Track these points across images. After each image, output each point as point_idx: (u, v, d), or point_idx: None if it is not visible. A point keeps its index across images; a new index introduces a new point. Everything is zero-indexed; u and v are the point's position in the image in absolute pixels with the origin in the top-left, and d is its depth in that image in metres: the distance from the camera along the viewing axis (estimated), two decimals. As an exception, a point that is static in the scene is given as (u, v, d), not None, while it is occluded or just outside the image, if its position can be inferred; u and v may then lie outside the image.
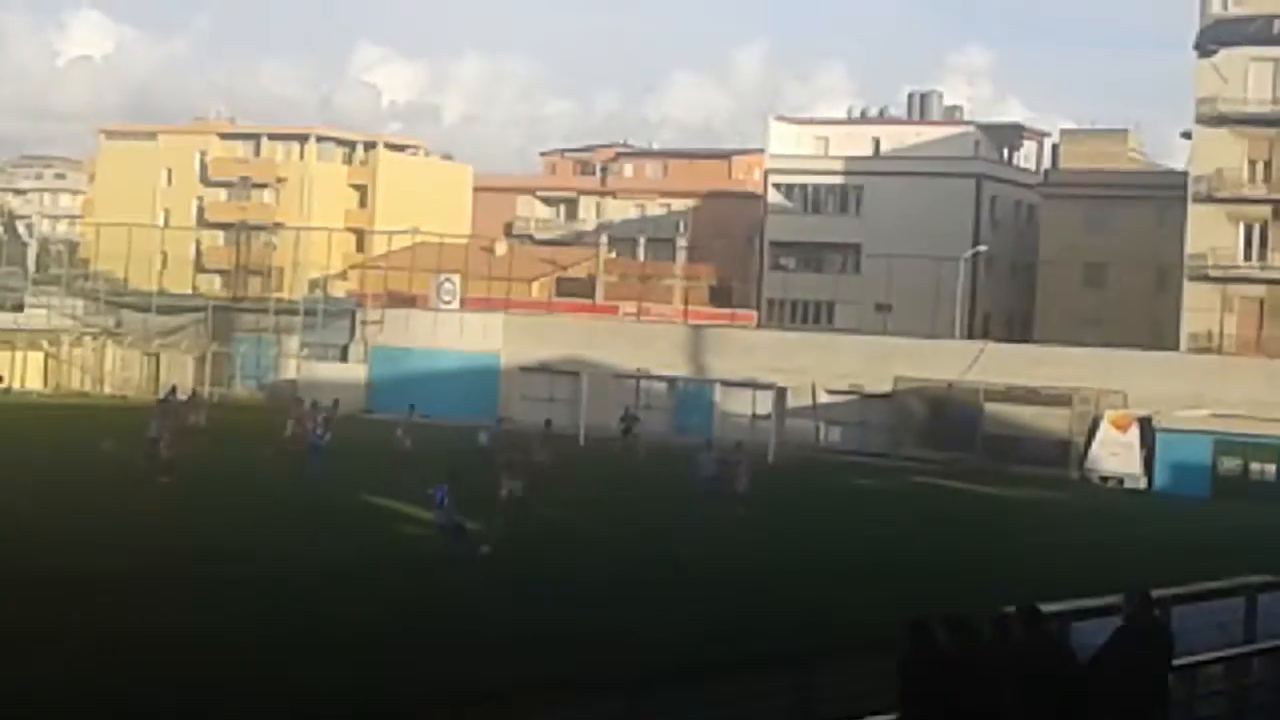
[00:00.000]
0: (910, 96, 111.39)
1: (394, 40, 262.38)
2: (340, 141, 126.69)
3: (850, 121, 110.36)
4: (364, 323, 76.69)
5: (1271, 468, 56.74)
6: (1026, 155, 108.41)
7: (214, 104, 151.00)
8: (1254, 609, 16.85)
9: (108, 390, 76.38)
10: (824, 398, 66.63)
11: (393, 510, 38.63)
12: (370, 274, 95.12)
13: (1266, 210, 78.97)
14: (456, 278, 78.49)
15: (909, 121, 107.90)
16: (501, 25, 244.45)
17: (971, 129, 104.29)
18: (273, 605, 26.16)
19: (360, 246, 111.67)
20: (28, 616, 23.79)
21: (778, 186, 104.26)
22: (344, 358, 75.97)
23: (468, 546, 31.72)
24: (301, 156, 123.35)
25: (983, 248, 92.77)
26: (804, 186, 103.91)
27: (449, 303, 76.88)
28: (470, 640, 24.15)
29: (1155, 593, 17.01)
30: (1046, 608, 14.81)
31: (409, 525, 35.85)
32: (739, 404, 66.10)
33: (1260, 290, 78.67)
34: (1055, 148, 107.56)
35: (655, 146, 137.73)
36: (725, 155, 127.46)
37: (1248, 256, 79.60)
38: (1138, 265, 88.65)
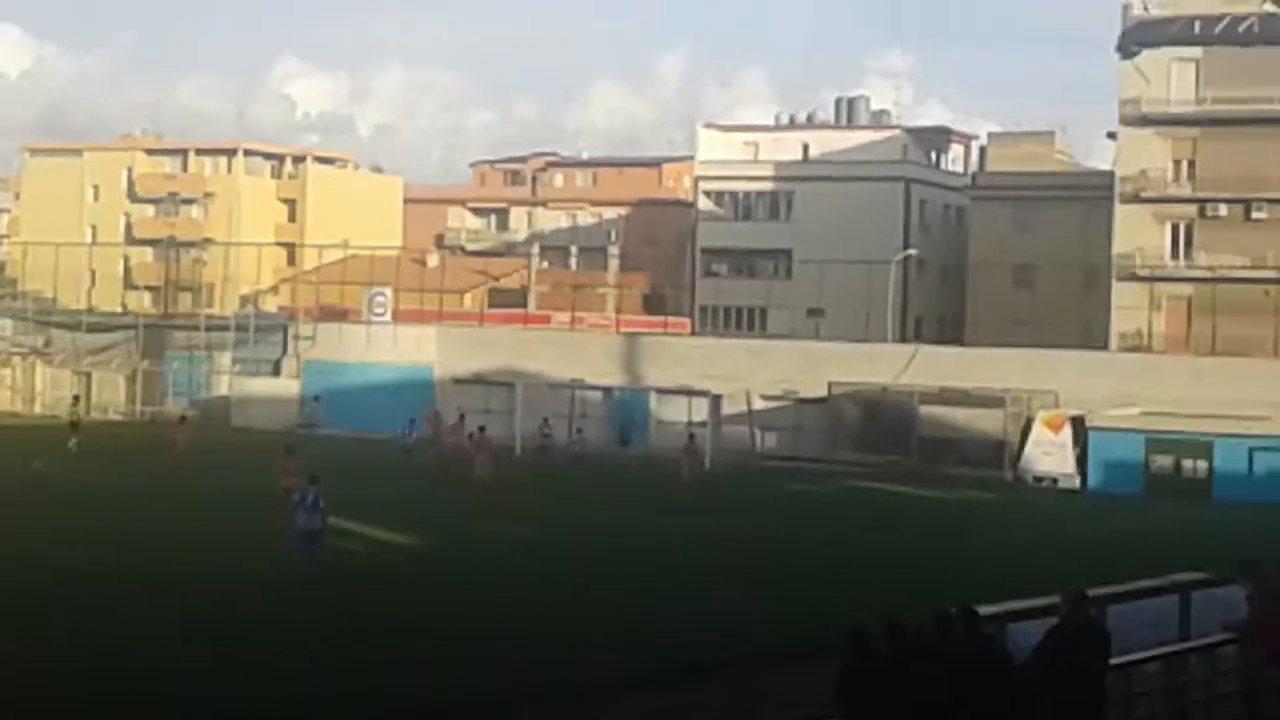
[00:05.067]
0: (838, 101, 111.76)
1: (314, 54, 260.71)
2: (268, 155, 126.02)
3: (779, 128, 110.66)
4: (296, 337, 76.32)
5: (1203, 464, 57.28)
6: (954, 158, 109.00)
7: (133, 119, 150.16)
8: (1188, 607, 16.99)
9: (39, 410, 75.80)
10: (759, 404, 66.83)
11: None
12: (302, 288, 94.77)
13: (1192, 210, 79.65)
14: (388, 290, 78.27)
15: (837, 126, 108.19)
16: (421, 37, 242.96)
17: (899, 133, 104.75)
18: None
19: (291, 260, 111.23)
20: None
21: (708, 193, 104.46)
22: (276, 373, 75.61)
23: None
24: (229, 171, 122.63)
25: (913, 251, 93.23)
26: (734, 193, 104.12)
27: (381, 315, 76.64)
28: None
29: (1090, 592, 17.14)
30: (983, 609, 14.90)
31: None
32: (675, 412, 66.13)
33: (1188, 289, 79.31)
34: (983, 150, 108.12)
35: (585, 156, 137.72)
36: (655, 163, 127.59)
37: (1174, 256, 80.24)
38: (1066, 266, 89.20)
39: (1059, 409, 60.89)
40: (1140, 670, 14.81)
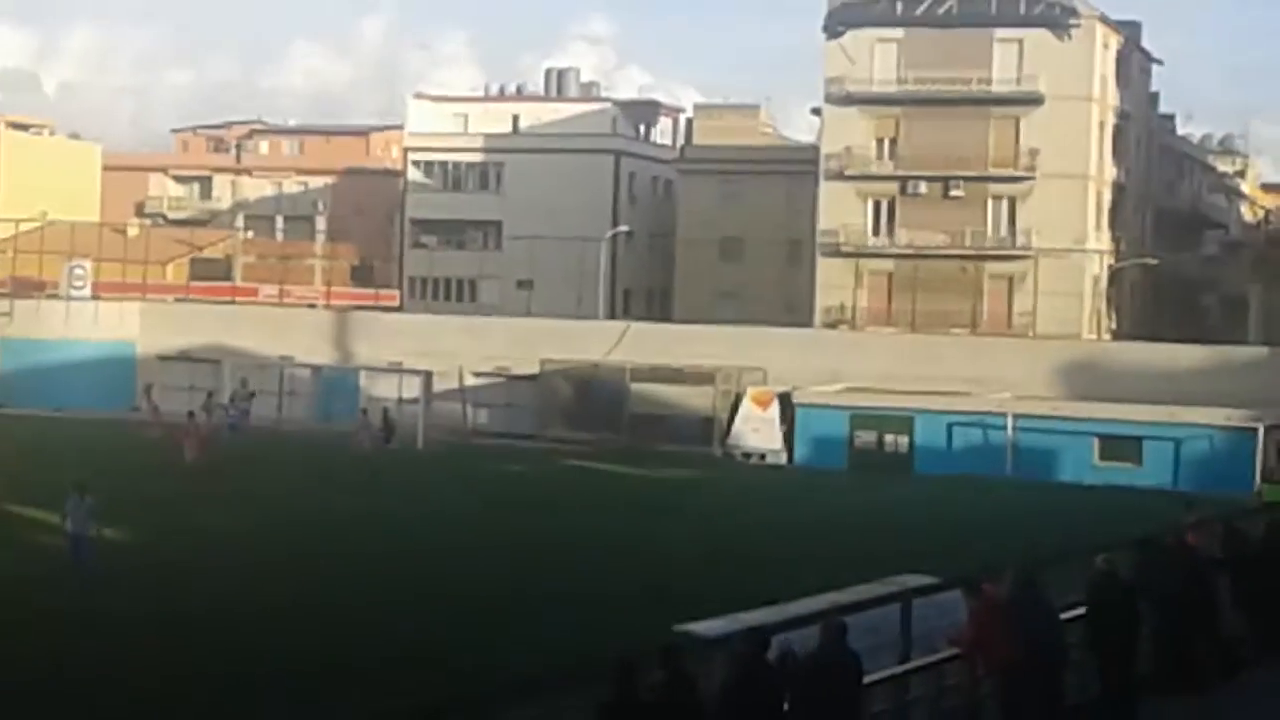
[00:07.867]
0: (548, 73, 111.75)
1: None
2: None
3: (489, 98, 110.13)
4: (-8, 314, 73.50)
5: (904, 439, 58.70)
6: (663, 131, 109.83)
7: None
8: (908, 615, 17.19)
9: None
10: (471, 380, 66.59)
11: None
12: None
13: (894, 187, 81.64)
14: (88, 263, 76.00)
15: (547, 98, 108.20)
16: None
17: (609, 106, 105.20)
18: None
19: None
20: None
21: (417, 164, 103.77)
22: (-29, 350, 72.79)
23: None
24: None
25: (624, 228, 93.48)
26: (444, 164, 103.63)
27: (81, 289, 74.35)
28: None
29: (810, 606, 17.34)
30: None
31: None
32: (385, 388, 65.51)
33: (889, 265, 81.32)
34: (689, 123, 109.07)
35: (291, 123, 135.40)
36: (362, 132, 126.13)
37: (876, 232, 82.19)
38: (772, 240, 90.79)
39: (767, 385, 61.81)
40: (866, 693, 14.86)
